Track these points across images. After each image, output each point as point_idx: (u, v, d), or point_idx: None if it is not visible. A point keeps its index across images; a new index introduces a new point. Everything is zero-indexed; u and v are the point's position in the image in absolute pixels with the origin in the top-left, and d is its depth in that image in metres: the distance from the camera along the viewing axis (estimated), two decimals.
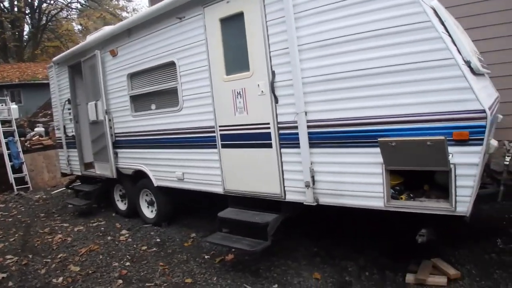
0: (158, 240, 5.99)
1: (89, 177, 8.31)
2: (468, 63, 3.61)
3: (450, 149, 3.34)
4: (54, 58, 8.58)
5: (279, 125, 4.37)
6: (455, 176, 3.41)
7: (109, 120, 6.84)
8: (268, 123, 4.44)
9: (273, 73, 4.34)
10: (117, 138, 6.85)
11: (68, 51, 8.13)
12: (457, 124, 3.36)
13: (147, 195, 6.77)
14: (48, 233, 6.96)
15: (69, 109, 8.26)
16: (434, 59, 3.40)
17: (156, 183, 6.24)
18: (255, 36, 4.47)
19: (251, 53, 4.53)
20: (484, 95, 3.55)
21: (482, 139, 3.29)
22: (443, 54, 3.37)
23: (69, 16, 32.17)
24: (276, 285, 4.27)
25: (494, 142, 3.61)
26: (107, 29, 6.89)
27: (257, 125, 4.55)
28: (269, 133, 4.44)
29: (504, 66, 6.23)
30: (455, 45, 3.62)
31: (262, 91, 4.45)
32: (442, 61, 3.38)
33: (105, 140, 6.95)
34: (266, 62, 4.38)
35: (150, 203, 6.75)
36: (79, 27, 30.88)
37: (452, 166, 3.39)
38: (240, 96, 4.66)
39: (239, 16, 4.55)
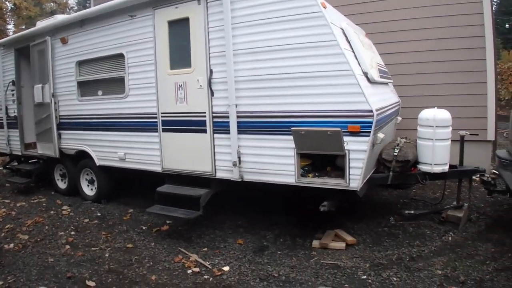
0: (99, 214, 6.60)
1: (27, 157, 8.68)
2: (365, 74, 4.68)
3: (345, 138, 4.39)
4: (0, 41, 8.83)
5: (213, 114, 5.23)
6: (349, 159, 4.47)
7: (55, 103, 7.31)
8: (204, 112, 5.28)
9: (211, 71, 5.18)
10: (61, 120, 7.33)
11: (17, 34, 8.45)
12: (351, 120, 4.39)
13: (87, 174, 7.33)
14: None
15: (12, 90, 8.56)
16: (336, 69, 4.43)
17: (98, 162, 6.83)
18: (197, 38, 5.27)
19: (193, 53, 5.33)
20: (375, 99, 4.61)
21: (370, 132, 4.35)
22: (343, 66, 4.41)
23: None
24: (205, 249, 5.09)
25: (381, 135, 4.69)
26: (59, 17, 7.36)
27: (195, 114, 5.38)
28: (205, 120, 5.28)
29: (405, 77, 7.49)
30: (357, 59, 4.68)
31: (201, 85, 5.27)
32: (342, 72, 4.41)
33: (49, 121, 7.40)
34: (206, 61, 5.21)
35: (91, 182, 7.32)
36: (12, 6, 29.77)
37: (346, 151, 4.44)
38: (182, 88, 5.44)
39: (185, 21, 5.34)
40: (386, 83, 6.10)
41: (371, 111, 4.30)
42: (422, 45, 7.77)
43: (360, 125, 4.36)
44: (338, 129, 4.32)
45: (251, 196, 6.51)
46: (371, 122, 4.32)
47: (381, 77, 5.52)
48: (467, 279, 4.15)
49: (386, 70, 6.42)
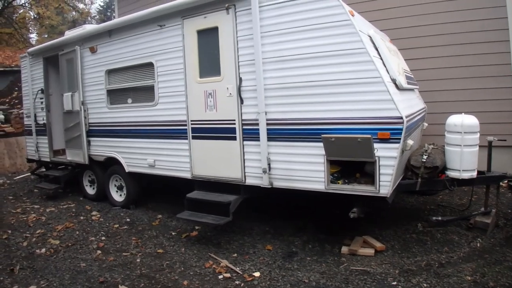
0: (128, 220, 6.73)
1: (55, 164, 8.90)
2: (394, 81, 4.73)
3: (375, 145, 4.44)
4: (29, 50, 9.08)
5: (243, 122, 5.33)
6: (379, 166, 4.51)
7: (85, 110, 7.49)
8: (234, 120, 5.38)
9: (240, 79, 5.28)
10: (91, 127, 7.51)
11: (45, 44, 8.67)
12: (381, 127, 4.44)
13: (116, 180, 7.49)
14: (21, 213, 7.49)
15: (41, 98, 8.79)
16: (366, 76, 4.49)
17: (127, 169, 6.98)
18: (226, 47, 5.39)
19: (222, 61, 5.45)
20: (404, 106, 4.66)
21: (400, 139, 4.39)
22: (372, 74, 4.46)
23: (26, 4, 31.65)
24: (235, 254, 5.17)
25: (410, 142, 4.72)
26: (88, 27, 7.56)
27: (224, 121, 5.48)
28: (235, 128, 5.38)
29: (430, 83, 7.50)
30: (385, 66, 4.74)
31: (230, 93, 5.37)
32: (372, 79, 4.46)
33: (79, 128, 7.59)
34: (235, 69, 5.32)
35: (119, 188, 7.47)
36: (35, 15, 30.39)
37: (376, 158, 4.49)
38: (211, 96, 5.55)
39: (214, 30, 5.46)
40: (413, 89, 6.13)
41: (401, 117, 4.34)
42: (446, 50, 7.76)
43: (390, 132, 4.40)
44: (369, 136, 4.38)
45: (277, 202, 6.60)
46: (401, 129, 4.36)
47: (408, 83, 5.56)
48: (496, 285, 4.15)
49: (412, 76, 6.45)
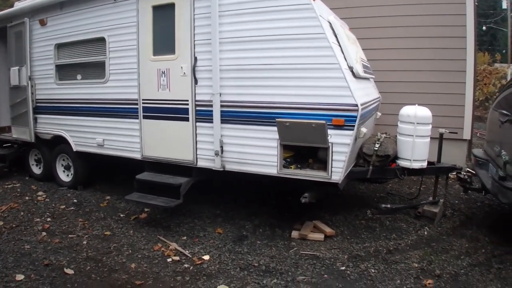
0: (75, 200, 6.48)
1: (0, 141, 8.46)
2: (351, 68, 4.72)
3: (330, 131, 4.42)
4: None
5: (196, 103, 5.18)
6: (332, 152, 4.51)
7: (32, 86, 7.13)
8: (187, 100, 5.23)
9: (196, 59, 5.12)
10: (38, 104, 7.15)
11: None
12: (336, 113, 4.42)
13: (64, 160, 7.19)
14: None
15: None
16: (323, 62, 4.45)
17: (75, 148, 6.69)
18: (182, 25, 5.21)
19: (177, 39, 5.26)
20: (359, 94, 4.65)
21: (354, 126, 4.39)
22: (330, 60, 4.43)
23: None
24: (185, 237, 5.08)
25: (364, 129, 4.72)
26: None
27: (177, 101, 5.32)
28: (187, 109, 5.23)
29: (386, 74, 7.58)
30: (343, 53, 4.71)
31: (184, 72, 5.21)
32: (329, 65, 4.43)
33: (25, 105, 7.22)
34: (190, 48, 5.15)
35: (67, 168, 7.19)
36: None
37: (330, 144, 4.47)
38: (164, 75, 5.37)
39: (171, 6, 5.26)
40: (369, 79, 6.16)
41: (356, 105, 4.34)
42: (405, 42, 7.84)
43: (344, 119, 4.39)
44: (323, 121, 4.35)
45: (230, 185, 6.52)
46: (356, 116, 4.35)
47: (364, 72, 5.56)
48: (442, 273, 4.25)
49: (369, 65, 6.47)
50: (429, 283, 4.05)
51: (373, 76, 6.57)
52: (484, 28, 32.50)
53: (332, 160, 4.50)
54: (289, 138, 4.61)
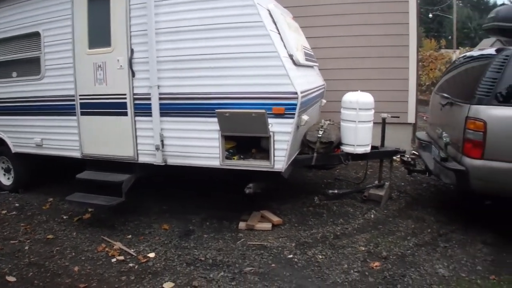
0: (17, 204, 6.18)
1: None
2: (291, 56, 4.69)
3: (270, 120, 4.37)
4: None
5: (134, 96, 5.01)
6: (274, 141, 4.47)
7: None
8: (125, 94, 5.05)
9: (132, 51, 4.95)
10: None
11: None
12: (276, 102, 4.39)
13: (3, 162, 6.84)
14: None
15: None
16: (262, 51, 4.40)
17: (14, 149, 6.36)
18: (118, 16, 5.01)
19: (113, 31, 5.07)
20: (300, 82, 4.64)
21: (294, 114, 4.36)
22: (268, 48, 4.38)
23: None
24: (130, 236, 4.93)
25: (305, 117, 4.71)
26: None
27: (115, 96, 5.13)
28: (125, 103, 5.05)
29: (331, 61, 7.63)
30: (283, 41, 4.67)
31: (121, 65, 5.03)
32: (268, 53, 4.38)
33: None
34: (127, 40, 4.97)
35: (7, 170, 6.83)
36: None
37: (271, 133, 4.43)
38: (101, 69, 5.17)
39: None
40: (312, 66, 6.16)
41: (296, 93, 4.31)
42: (348, 30, 7.90)
43: (284, 107, 4.36)
44: (263, 111, 4.29)
45: (178, 180, 6.39)
46: (296, 104, 4.33)
47: (306, 60, 5.56)
48: (389, 255, 4.32)
49: (312, 53, 6.48)
50: (376, 266, 4.11)
51: (317, 64, 6.58)
52: (430, 15, 33.46)
53: (274, 149, 4.46)
54: (229, 129, 4.53)
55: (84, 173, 5.50)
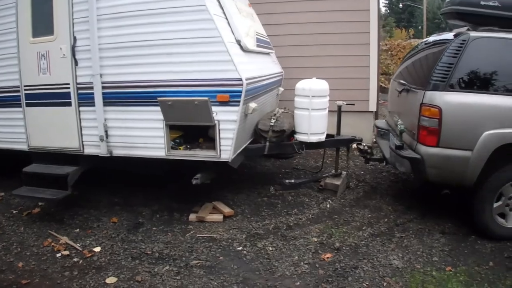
0: None
1: None
2: (238, 42, 4.55)
3: (215, 108, 4.24)
4: None
5: (78, 86, 4.84)
6: (219, 130, 4.35)
7: None
8: (69, 84, 4.87)
9: (75, 38, 4.77)
10: None
11: None
12: (220, 89, 4.27)
13: None
14: None
15: None
16: (205, 36, 4.27)
17: None
18: (60, 3, 4.82)
19: (56, 19, 4.87)
20: (247, 68, 4.52)
21: (239, 102, 4.24)
22: (212, 33, 4.26)
23: None
24: (78, 230, 4.77)
25: (253, 105, 4.60)
26: None
27: (59, 85, 4.94)
28: (69, 93, 4.88)
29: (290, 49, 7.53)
30: (230, 26, 4.53)
31: (64, 54, 4.85)
32: (211, 38, 4.26)
33: None
34: (69, 27, 4.79)
35: None
36: None
37: (216, 122, 4.30)
38: (44, 58, 4.98)
39: None
40: (267, 53, 6.04)
41: (240, 79, 4.20)
42: (309, 16, 7.78)
43: (229, 95, 4.25)
44: (206, 98, 4.16)
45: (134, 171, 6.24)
46: (241, 91, 4.22)
47: (259, 46, 5.44)
48: (342, 245, 4.25)
49: (268, 40, 6.36)
50: (327, 257, 4.04)
51: (273, 51, 6.46)
52: (401, 5, 33.63)
53: (220, 138, 4.36)
54: (173, 118, 4.40)
55: (31, 166, 5.31)
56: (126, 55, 4.54)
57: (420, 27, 30.27)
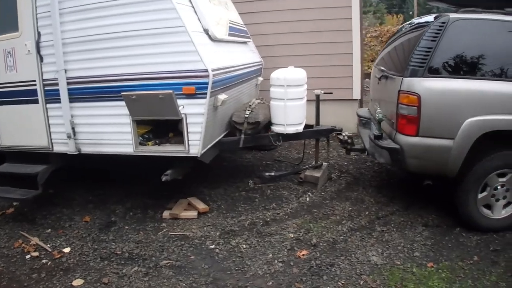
0: None
1: None
2: (206, 31, 4.40)
3: (181, 101, 4.11)
4: None
5: (44, 82, 4.70)
6: (187, 124, 4.21)
7: None
8: (35, 81, 4.74)
9: (39, 34, 4.63)
10: None
11: None
12: (186, 81, 4.13)
13: None
14: None
15: None
16: (167, 26, 4.13)
17: None
18: None
19: (20, 15, 4.73)
20: (214, 58, 4.38)
21: (206, 93, 4.10)
22: (175, 23, 4.10)
23: None
24: (49, 230, 4.67)
25: (222, 97, 4.45)
26: None
27: (25, 82, 4.81)
28: (36, 90, 4.74)
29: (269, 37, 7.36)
30: (197, 14, 4.38)
31: (29, 50, 4.70)
32: (174, 28, 4.11)
33: None
34: (33, 23, 4.64)
35: None
36: None
37: (183, 115, 4.16)
38: (10, 55, 4.84)
39: None
40: (243, 42, 5.88)
41: (206, 70, 4.05)
42: (289, 3, 7.60)
43: (195, 87, 4.10)
44: (170, 91, 4.01)
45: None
46: (207, 83, 4.08)
47: (233, 35, 5.28)
48: (319, 241, 4.12)
49: (244, 28, 6.20)
50: (303, 254, 3.91)
51: (250, 40, 6.29)
52: None
53: (188, 132, 4.22)
54: (139, 113, 4.27)
55: (3, 165, 5.20)
56: (90, 49, 4.40)
57: (411, 13, 29.88)
